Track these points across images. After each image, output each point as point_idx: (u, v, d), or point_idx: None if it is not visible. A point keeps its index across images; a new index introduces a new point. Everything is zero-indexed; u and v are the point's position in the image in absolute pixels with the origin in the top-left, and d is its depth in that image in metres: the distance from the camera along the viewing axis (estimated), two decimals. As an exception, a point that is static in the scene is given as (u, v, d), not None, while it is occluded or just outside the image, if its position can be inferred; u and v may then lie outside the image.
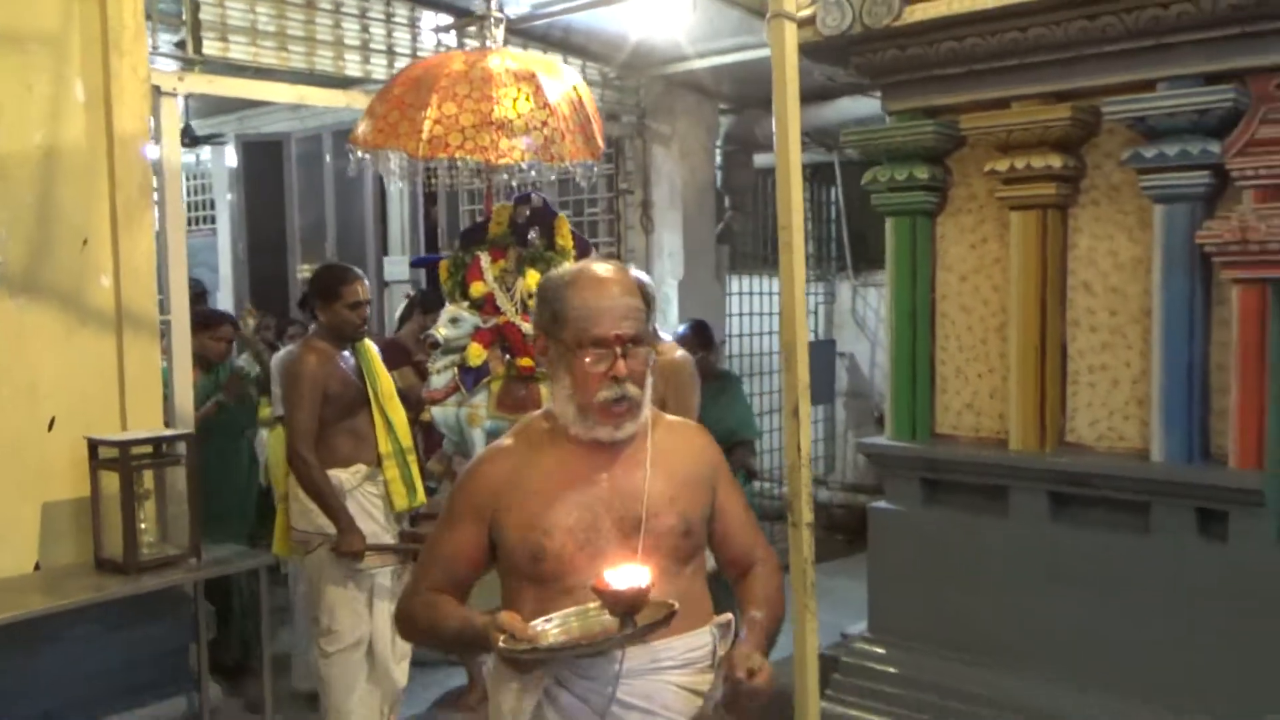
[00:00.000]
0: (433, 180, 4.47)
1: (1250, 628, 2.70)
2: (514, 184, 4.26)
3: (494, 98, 3.61)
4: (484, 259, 4.02)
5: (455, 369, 3.94)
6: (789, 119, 3.12)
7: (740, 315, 6.86)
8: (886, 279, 3.47)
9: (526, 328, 3.98)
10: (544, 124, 3.66)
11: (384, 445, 3.80)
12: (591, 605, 1.70)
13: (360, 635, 3.71)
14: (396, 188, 7.31)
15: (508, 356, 3.99)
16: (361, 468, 3.74)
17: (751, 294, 6.92)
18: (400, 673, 3.86)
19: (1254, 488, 2.73)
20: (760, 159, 7.05)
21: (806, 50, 3.22)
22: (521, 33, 5.22)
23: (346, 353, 3.76)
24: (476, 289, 4.02)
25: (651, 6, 4.85)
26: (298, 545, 3.76)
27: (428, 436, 4.39)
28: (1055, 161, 3.01)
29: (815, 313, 7.62)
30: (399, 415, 3.86)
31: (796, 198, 3.18)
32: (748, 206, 7.10)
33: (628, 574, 1.61)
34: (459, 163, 3.93)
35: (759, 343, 6.93)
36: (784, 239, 3.19)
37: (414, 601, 1.90)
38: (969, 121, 3.18)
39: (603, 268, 1.84)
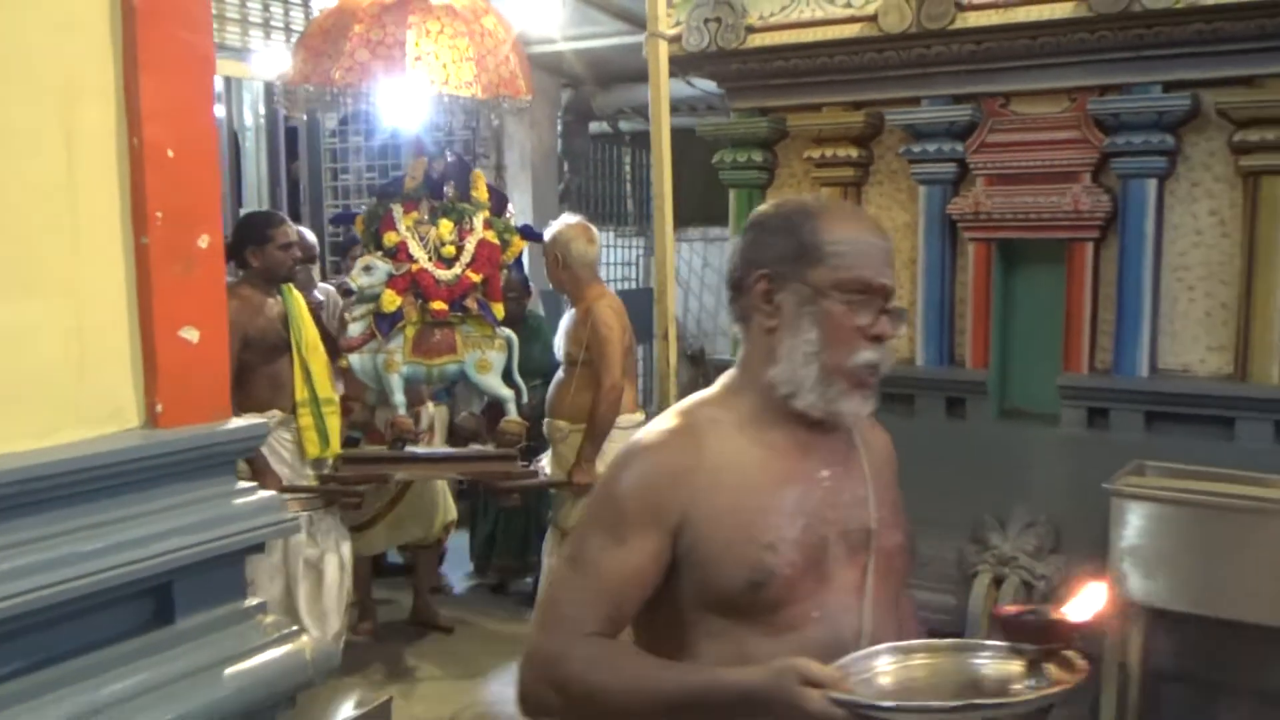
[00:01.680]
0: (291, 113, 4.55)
1: (979, 473, 3.89)
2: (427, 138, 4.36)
3: (467, 32, 3.74)
4: (397, 210, 4.17)
5: (371, 317, 4.06)
6: (662, 115, 4.09)
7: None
8: (731, 236, 4.52)
9: (439, 274, 4.15)
10: (507, 59, 3.84)
11: (300, 393, 3.81)
12: (901, 645, 1.29)
13: (273, 590, 3.72)
14: (250, 144, 7.74)
15: (421, 302, 4.12)
16: (276, 413, 3.77)
17: (587, 247, 7.87)
18: (321, 625, 3.82)
19: (981, 381, 3.96)
20: (594, 127, 7.98)
21: (673, 61, 4.17)
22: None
23: (273, 299, 3.80)
24: (389, 238, 4.14)
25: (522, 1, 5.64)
26: None
27: (347, 384, 4.43)
28: (853, 153, 4.09)
29: (636, 264, 8.59)
30: (319, 365, 3.90)
31: (667, 174, 4.17)
32: (583, 169, 8.02)
33: (1088, 598, 1.23)
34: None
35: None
36: (658, 204, 4.19)
37: (583, 663, 1.29)
38: (792, 120, 4.19)
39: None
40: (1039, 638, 1.21)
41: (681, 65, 4.30)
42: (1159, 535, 3.19)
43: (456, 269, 4.23)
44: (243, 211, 7.76)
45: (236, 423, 1.93)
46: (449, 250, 4.21)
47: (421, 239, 4.20)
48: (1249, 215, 3.53)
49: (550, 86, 7.17)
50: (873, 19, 3.78)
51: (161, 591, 1.79)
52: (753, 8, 4.03)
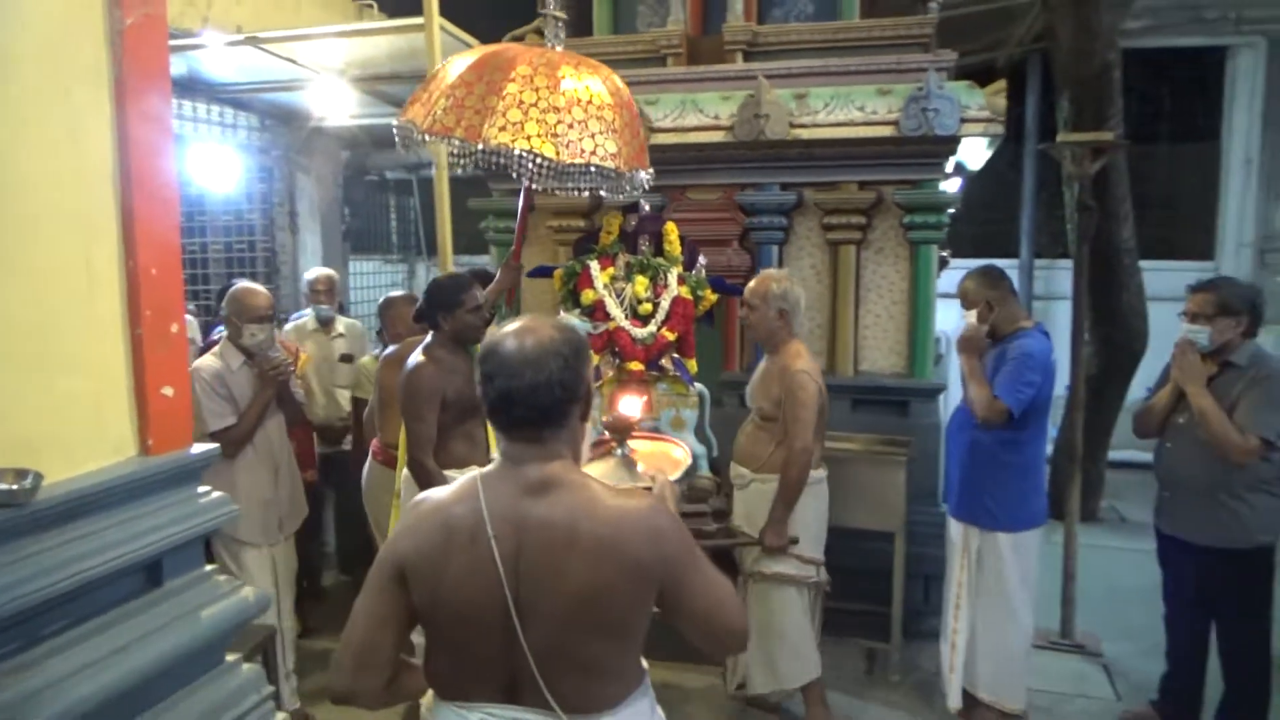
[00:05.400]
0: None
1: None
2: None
3: (614, 104, 2.93)
4: (594, 267, 3.68)
5: (569, 375, 3.54)
6: (442, 181, 4.60)
7: (357, 289, 8.10)
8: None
9: (636, 332, 3.61)
10: (638, 133, 3.05)
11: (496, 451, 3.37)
12: None
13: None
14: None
15: (618, 361, 3.63)
16: (475, 469, 2.96)
17: (364, 274, 8.24)
18: None
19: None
20: (369, 179, 8.28)
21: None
22: (219, 99, 5.99)
23: (463, 359, 3.29)
24: (587, 296, 3.68)
25: (316, 90, 5.87)
26: None
27: None
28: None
29: (400, 284, 8.93)
30: None
31: (446, 234, 4.66)
32: (360, 213, 8.28)
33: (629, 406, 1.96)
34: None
35: (370, 308, 8.18)
36: (441, 246, 4.63)
37: None
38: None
39: None
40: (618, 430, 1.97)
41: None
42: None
43: (652, 327, 3.68)
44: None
45: (197, 448, 2.39)
46: (645, 308, 3.67)
47: (618, 296, 3.69)
48: (833, 269, 4.65)
49: (333, 149, 7.39)
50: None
51: (154, 565, 2.24)
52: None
